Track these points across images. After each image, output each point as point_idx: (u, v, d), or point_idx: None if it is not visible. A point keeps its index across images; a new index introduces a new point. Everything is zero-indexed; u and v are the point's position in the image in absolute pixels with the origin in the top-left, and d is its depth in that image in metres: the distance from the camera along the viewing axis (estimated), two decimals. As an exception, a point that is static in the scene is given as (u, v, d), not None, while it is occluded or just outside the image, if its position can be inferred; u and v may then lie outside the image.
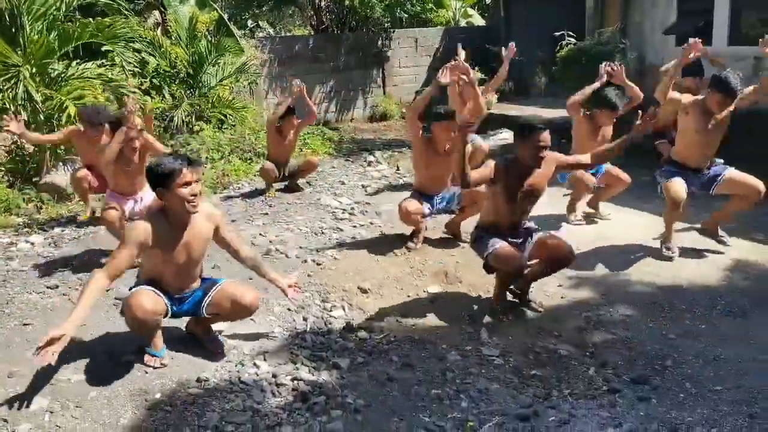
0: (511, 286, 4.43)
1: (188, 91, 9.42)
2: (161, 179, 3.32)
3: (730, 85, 4.76)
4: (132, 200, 5.25)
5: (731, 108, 4.94)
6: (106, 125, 5.39)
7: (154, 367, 3.50)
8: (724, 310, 4.25)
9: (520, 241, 4.24)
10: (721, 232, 5.33)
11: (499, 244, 4.09)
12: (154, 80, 9.25)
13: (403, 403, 3.30)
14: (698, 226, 5.51)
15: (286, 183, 7.39)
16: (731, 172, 5.10)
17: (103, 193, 5.91)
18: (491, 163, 4.16)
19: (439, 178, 5.44)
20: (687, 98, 5.05)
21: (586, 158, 4.39)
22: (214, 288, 3.60)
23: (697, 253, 5.18)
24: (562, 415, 3.15)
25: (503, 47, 6.72)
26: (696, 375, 3.49)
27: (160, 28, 10.28)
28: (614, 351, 3.80)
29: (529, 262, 4.23)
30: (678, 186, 4.98)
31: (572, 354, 3.80)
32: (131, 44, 7.92)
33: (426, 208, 5.36)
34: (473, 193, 5.28)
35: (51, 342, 2.91)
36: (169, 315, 3.56)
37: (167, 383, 3.38)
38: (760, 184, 4.98)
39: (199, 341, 3.77)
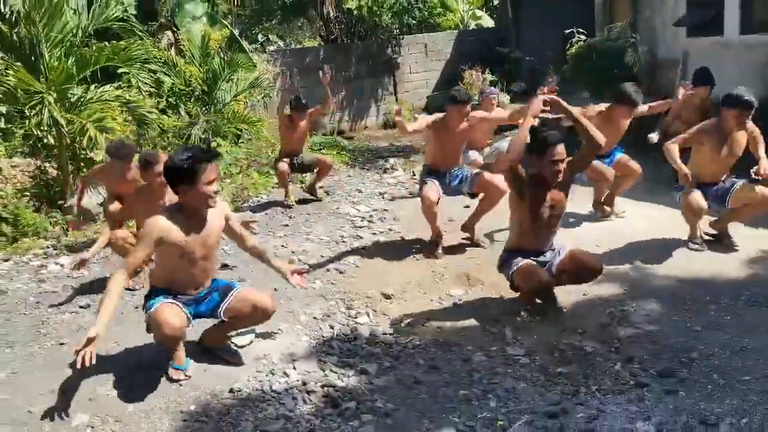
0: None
1: (204, 108, 9.55)
2: (186, 176, 3.34)
3: (744, 98, 4.77)
4: None
5: (748, 125, 4.92)
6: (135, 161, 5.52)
7: (180, 381, 3.57)
8: (748, 300, 4.25)
9: (548, 259, 4.30)
10: (730, 235, 5.24)
11: (522, 262, 4.17)
12: (170, 99, 9.41)
13: (431, 405, 3.34)
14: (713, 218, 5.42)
15: (306, 191, 7.52)
16: (742, 184, 5.05)
17: (129, 219, 6.05)
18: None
19: (450, 154, 5.54)
20: (698, 131, 5.03)
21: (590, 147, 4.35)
22: (231, 293, 3.68)
23: (716, 245, 5.18)
24: (590, 411, 3.17)
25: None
26: (723, 366, 3.50)
27: (173, 47, 10.43)
28: (639, 345, 3.82)
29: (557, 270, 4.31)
30: (697, 196, 5.00)
31: (598, 350, 3.82)
32: (146, 65, 8.05)
33: (440, 189, 5.45)
34: (487, 182, 5.35)
35: (87, 344, 3.03)
36: (191, 323, 3.64)
37: (201, 395, 3.47)
38: None
39: (216, 355, 3.83)
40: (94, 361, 3.06)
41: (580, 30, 9.83)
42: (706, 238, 5.28)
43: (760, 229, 5.32)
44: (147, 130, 7.62)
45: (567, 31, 9.97)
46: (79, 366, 3.05)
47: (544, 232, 4.27)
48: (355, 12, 12.62)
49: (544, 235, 4.29)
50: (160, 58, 9.09)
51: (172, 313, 3.46)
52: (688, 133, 5.11)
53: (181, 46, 10.26)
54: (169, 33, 10.57)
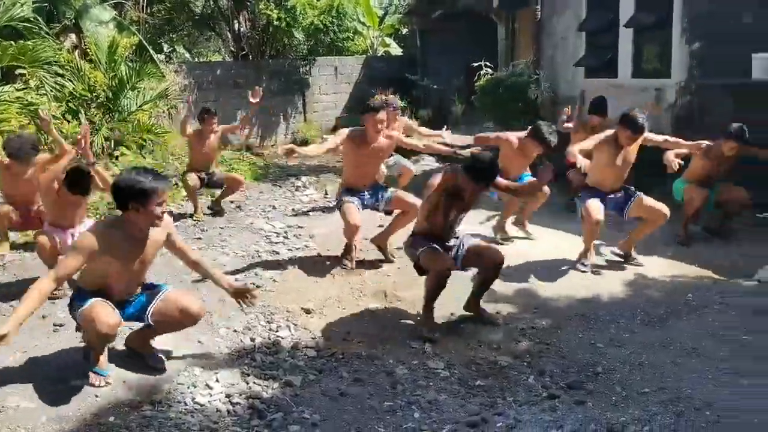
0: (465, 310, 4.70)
1: (107, 116, 9.22)
2: (138, 197, 3.30)
3: (638, 123, 5.28)
4: (69, 234, 4.99)
5: (639, 143, 5.47)
6: (33, 157, 5.26)
7: (99, 386, 3.48)
8: (643, 320, 4.59)
9: (452, 245, 4.55)
10: (634, 255, 5.72)
11: (430, 246, 4.39)
12: (70, 104, 9.00)
13: (358, 416, 3.41)
14: (613, 247, 5.85)
15: (210, 206, 7.42)
16: (641, 197, 5.54)
17: (23, 230, 5.81)
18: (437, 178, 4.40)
19: (367, 171, 5.65)
20: (596, 139, 5.50)
21: (518, 187, 4.98)
22: (158, 295, 3.61)
23: (614, 269, 5.57)
24: (508, 421, 3.35)
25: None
26: (624, 379, 3.78)
27: (77, 51, 10.01)
28: (549, 360, 4.06)
29: (466, 269, 4.63)
30: (596, 206, 5.44)
31: (511, 364, 4.02)
32: (50, 67, 7.74)
33: (357, 205, 5.51)
34: (403, 201, 5.52)
35: None
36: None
37: (120, 406, 3.37)
38: (665, 209, 5.49)
39: (140, 357, 3.76)
40: None
41: (488, 64, 10.31)
42: (615, 258, 5.74)
43: (647, 257, 5.75)
44: (46, 135, 7.29)
45: (475, 64, 10.43)
46: None
47: (451, 226, 4.54)
48: (275, 23, 12.50)
49: (450, 229, 4.55)
50: (66, 62, 8.72)
51: (106, 311, 3.37)
52: (589, 140, 5.54)
53: (87, 50, 9.87)
54: (73, 36, 10.13)
